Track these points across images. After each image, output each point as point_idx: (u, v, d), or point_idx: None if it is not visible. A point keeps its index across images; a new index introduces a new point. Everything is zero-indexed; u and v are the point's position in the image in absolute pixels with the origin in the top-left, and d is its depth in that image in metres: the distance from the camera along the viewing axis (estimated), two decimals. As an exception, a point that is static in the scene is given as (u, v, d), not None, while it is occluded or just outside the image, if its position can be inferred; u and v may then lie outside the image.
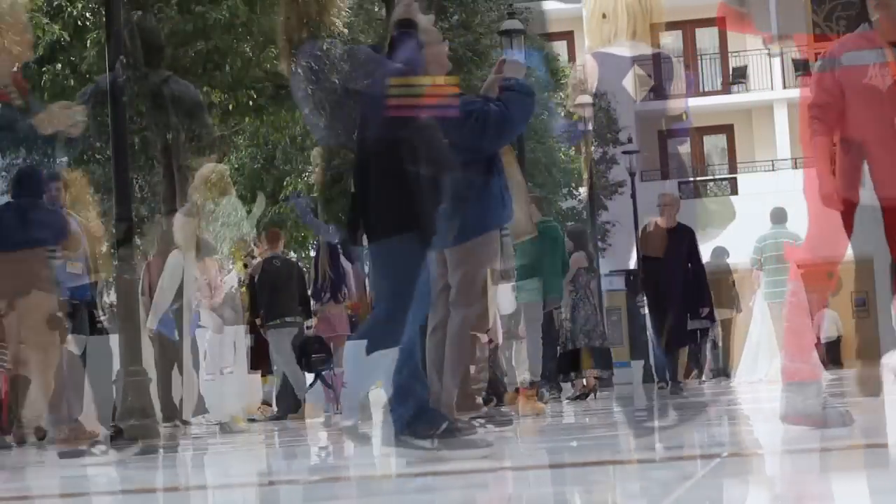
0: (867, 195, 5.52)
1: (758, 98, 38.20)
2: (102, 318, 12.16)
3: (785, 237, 17.67)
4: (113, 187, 11.76)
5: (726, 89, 38.85)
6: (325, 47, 17.76)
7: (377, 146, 6.16)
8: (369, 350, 5.89)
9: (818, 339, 5.19)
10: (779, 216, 17.76)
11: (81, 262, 11.49)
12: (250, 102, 16.79)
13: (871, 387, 11.67)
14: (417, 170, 6.10)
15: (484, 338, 9.50)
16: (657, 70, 37.81)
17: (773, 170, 36.80)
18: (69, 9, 16.63)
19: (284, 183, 25.08)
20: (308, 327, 14.70)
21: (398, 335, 5.95)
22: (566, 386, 15.80)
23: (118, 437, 10.81)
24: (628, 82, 33.28)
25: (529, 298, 12.96)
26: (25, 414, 10.73)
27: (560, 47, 37.85)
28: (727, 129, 39.26)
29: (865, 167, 5.52)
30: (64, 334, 10.97)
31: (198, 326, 12.99)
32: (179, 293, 12.85)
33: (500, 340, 13.14)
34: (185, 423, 13.30)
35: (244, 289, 14.45)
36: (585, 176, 28.73)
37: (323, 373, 14.79)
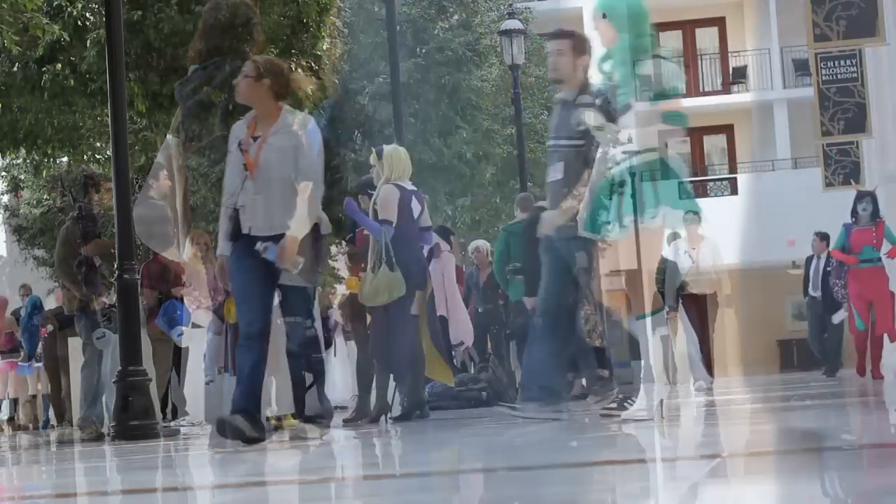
0: None
1: (758, 98, 38.17)
2: (101, 319, 12.19)
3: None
4: (113, 187, 11.76)
5: (726, 89, 38.84)
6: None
7: None
8: None
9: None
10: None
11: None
12: (250, 102, 16.71)
13: None
14: None
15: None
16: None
17: (773, 170, 36.78)
18: (69, 9, 16.61)
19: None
20: (311, 328, 14.63)
21: None
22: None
23: (118, 438, 10.83)
24: None
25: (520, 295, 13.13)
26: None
27: (560, 47, 37.82)
28: (727, 129, 39.23)
29: None
30: (85, 333, 11.03)
31: (195, 326, 12.96)
32: None
33: (470, 342, 13.31)
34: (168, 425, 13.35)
35: None
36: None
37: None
